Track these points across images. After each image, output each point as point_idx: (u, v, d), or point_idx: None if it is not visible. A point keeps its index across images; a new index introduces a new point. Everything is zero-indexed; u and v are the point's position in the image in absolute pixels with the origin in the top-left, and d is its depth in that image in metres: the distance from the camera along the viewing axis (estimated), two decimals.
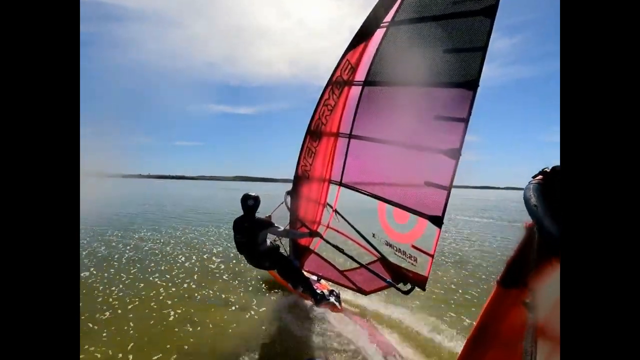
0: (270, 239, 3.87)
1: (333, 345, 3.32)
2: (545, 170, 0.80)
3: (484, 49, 2.57)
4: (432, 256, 2.98)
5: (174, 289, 4.72)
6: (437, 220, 2.89)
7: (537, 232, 0.70)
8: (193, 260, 6.37)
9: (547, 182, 0.77)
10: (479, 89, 2.66)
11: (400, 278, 3.28)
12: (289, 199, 4.16)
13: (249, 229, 3.54)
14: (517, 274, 0.77)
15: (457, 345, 3.34)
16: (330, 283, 4.57)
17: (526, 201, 0.71)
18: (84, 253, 6.51)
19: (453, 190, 2.78)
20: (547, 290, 0.78)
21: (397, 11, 2.92)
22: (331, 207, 4.17)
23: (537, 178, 0.80)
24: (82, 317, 3.56)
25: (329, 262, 4.23)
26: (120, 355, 3.01)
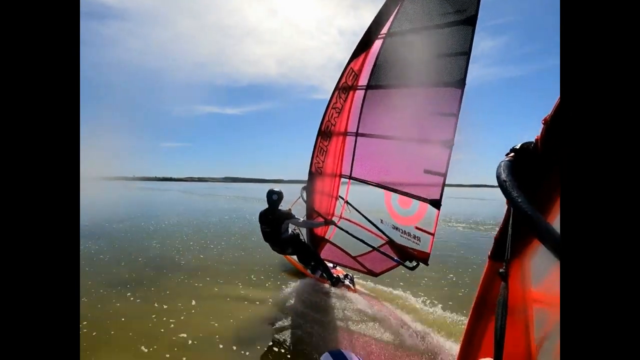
0: (291, 228, 4.36)
1: (352, 317, 3.78)
2: (515, 148, 0.83)
3: (468, 52, 3.01)
4: (432, 234, 3.41)
5: (202, 277, 5.26)
6: (436, 203, 3.32)
7: (510, 207, 0.72)
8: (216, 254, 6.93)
9: (517, 158, 0.80)
10: (466, 87, 3.10)
11: (406, 257, 3.71)
12: (304, 193, 4.65)
13: (273, 220, 4.04)
14: (503, 247, 0.79)
15: (461, 318, 3.76)
16: (345, 269, 5.03)
17: (497, 177, 0.72)
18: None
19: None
20: (525, 261, 0.84)
21: (392, 23, 3.38)
22: (343, 199, 4.63)
23: (509, 156, 0.82)
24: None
25: (343, 250, 4.68)
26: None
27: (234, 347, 3.15)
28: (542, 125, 0.76)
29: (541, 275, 0.82)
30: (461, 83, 3.08)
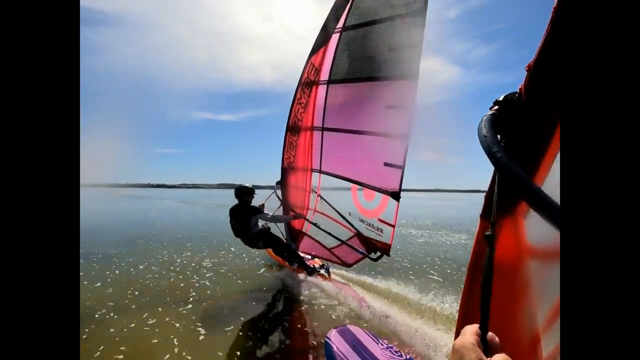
0: (261, 223, 4.46)
1: (320, 302, 3.97)
2: (499, 100, 0.76)
3: (419, 45, 2.99)
4: (393, 226, 3.47)
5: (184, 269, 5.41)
6: (396, 195, 3.37)
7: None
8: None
9: (501, 111, 0.74)
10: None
11: (371, 248, 3.79)
12: (278, 189, 4.73)
13: (242, 215, 4.14)
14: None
15: (434, 303, 3.90)
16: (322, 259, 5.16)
17: (478, 133, 0.67)
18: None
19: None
20: (519, 217, 0.80)
21: (346, 18, 3.37)
22: (316, 192, 4.69)
23: (493, 109, 0.76)
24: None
25: (319, 242, 4.78)
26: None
27: (206, 331, 3.28)
28: (525, 73, 0.71)
29: (537, 230, 0.78)
30: (414, 75, 3.07)
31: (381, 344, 1.98)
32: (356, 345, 1.92)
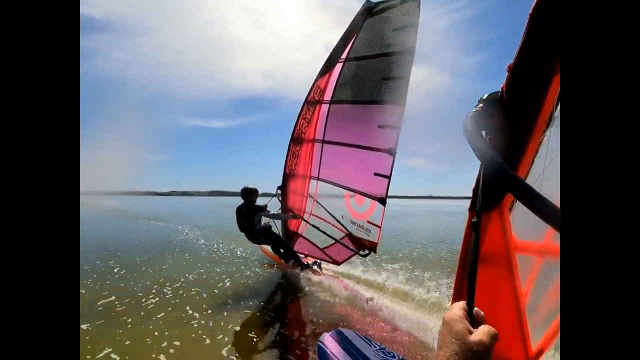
0: (264, 221, 4.98)
1: (314, 293, 4.44)
2: (483, 99, 0.79)
3: (407, 77, 3.67)
4: (379, 227, 4.05)
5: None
6: (382, 200, 3.97)
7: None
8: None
9: (485, 109, 0.77)
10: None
11: (361, 246, 4.35)
12: (279, 192, 5.29)
13: (247, 213, 4.66)
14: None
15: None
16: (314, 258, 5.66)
17: (463, 128, 0.68)
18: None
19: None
20: (504, 210, 0.83)
21: (349, 51, 4.06)
22: (312, 197, 5.26)
23: (477, 107, 0.79)
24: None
25: (312, 243, 5.31)
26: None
27: (210, 323, 3.66)
28: (507, 73, 0.76)
29: (522, 222, 0.82)
30: (402, 101, 3.74)
31: (374, 345, 1.97)
32: (349, 348, 1.94)
